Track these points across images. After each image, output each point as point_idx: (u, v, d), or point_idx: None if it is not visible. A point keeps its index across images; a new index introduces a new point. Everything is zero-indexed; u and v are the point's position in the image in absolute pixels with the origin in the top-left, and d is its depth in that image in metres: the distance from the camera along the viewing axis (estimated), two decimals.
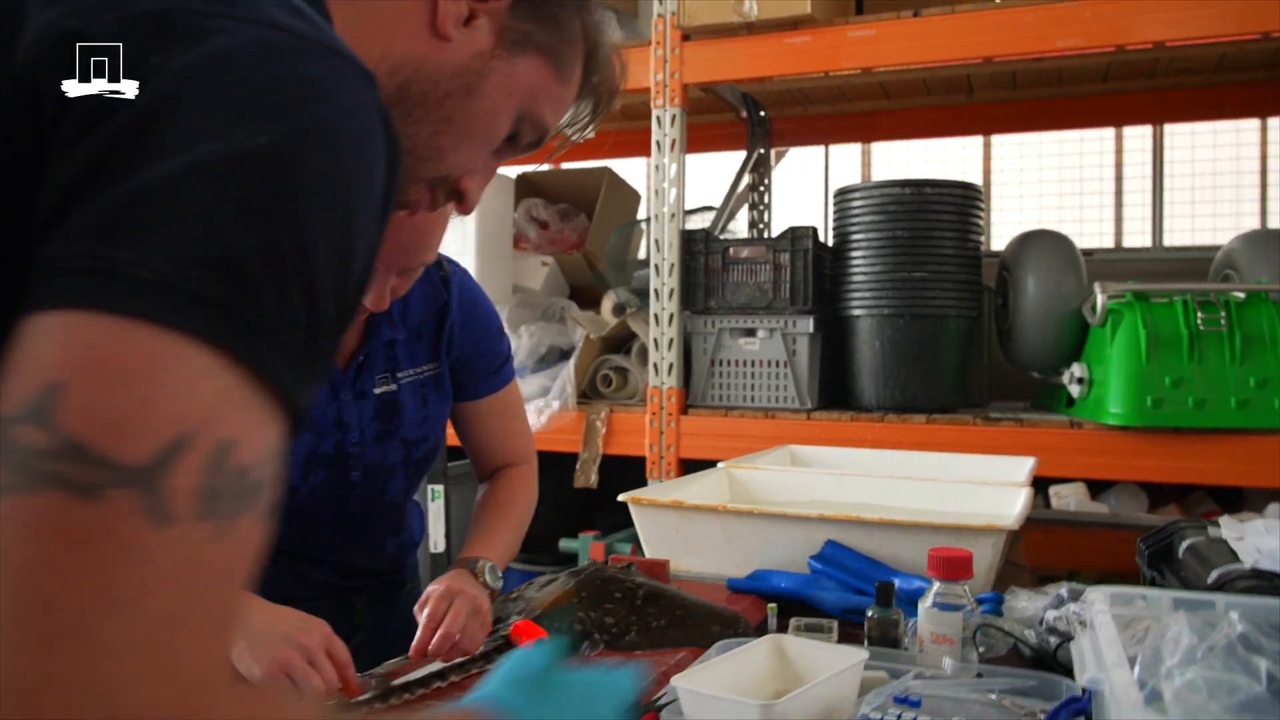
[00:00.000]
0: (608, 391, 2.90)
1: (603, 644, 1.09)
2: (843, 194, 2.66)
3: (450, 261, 1.27)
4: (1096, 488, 2.57)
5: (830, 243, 2.72)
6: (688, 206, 3.65)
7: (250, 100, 0.44)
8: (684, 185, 2.72)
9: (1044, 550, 2.08)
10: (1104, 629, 0.73)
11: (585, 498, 2.79)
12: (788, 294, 2.61)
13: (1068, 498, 2.46)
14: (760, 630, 1.19)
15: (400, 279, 1.05)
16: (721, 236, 2.97)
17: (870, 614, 1.09)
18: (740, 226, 3.52)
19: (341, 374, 1.16)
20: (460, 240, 2.94)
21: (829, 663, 0.87)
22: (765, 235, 3.38)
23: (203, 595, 0.41)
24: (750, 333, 2.67)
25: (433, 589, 1.06)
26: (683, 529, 1.48)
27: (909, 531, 1.33)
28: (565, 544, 2.78)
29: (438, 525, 2.40)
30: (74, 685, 0.37)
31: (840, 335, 2.66)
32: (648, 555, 1.51)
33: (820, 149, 3.90)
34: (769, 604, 1.20)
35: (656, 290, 2.70)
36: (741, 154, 3.42)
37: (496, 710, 0.60)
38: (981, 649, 1.07)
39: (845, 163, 4.06)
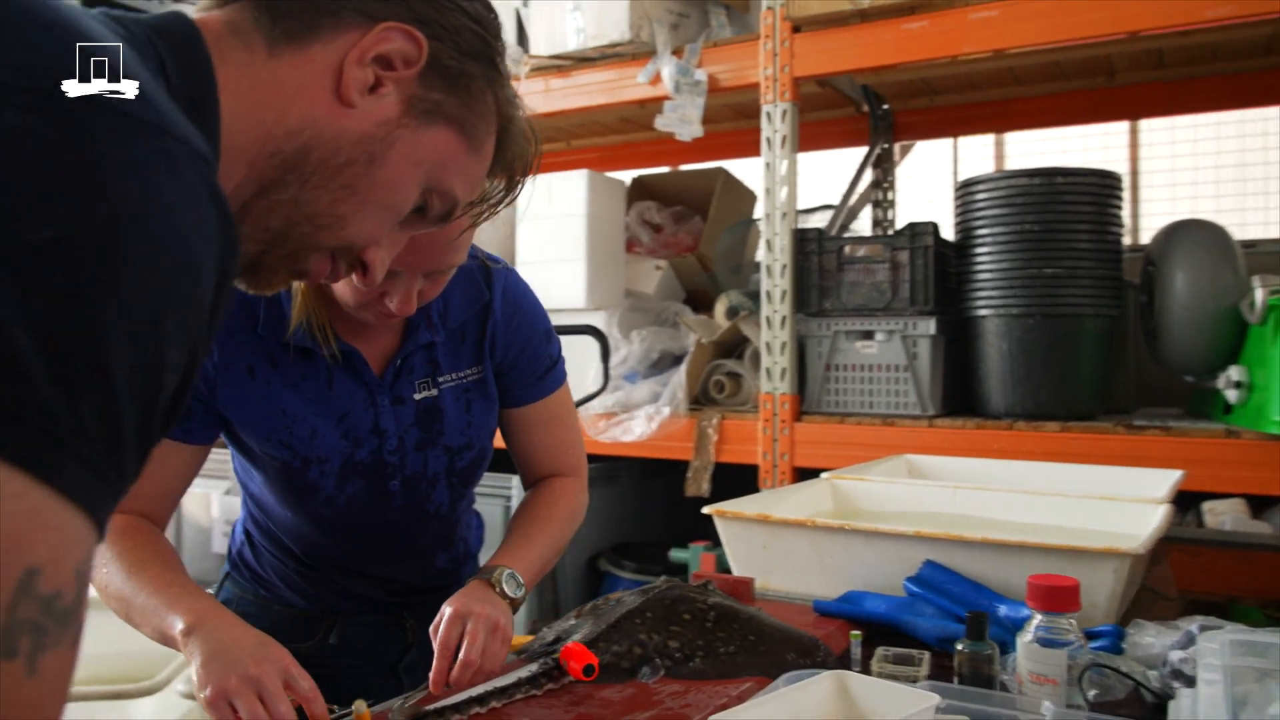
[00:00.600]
0: (720, 397, 2.81)
1: (664, 670, 1.01)
2: (966, 187, 2.49)
3: (495, 260, 1.21)
4: (1259, 504, 2.31)
5: (955, 239, 2.56)
6: (809, 206, 3.54)
7: (37, 185, 0.39)
8: (795, 183, 2.61)
9: (1194, 574, 1.87)
10: (1208, 687, 0.61)
11: (699, 506, 2.71)
12: (907, 294, 2.47)
13: (1223, 515, 2.21)
14: (843, 659, 1.09)
15: (429, 282, 1.00)
16: (842, 236, 2.84)
17: (960, 647, 0.97)
18: (864, 226, 3.37)
19: (379, 379, 1.12)
20: (570, 246, 2.92)
21: (896, 705, 0.77)
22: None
23: None
24: (868, 335, 2.54)
25: (443, 610, 0.99)
26: (771, 545, 1.38)
27: (1016, 553, 1.19)
28: (675, 554, 2.71)
29: None
30: None
31: (965, 337, 2.49)
32: (734, 572, 1.42)
33: (949, 142, 3.69)
34: (853, 631, 1.09)
35: (768, 292, 2.60)
36: (865, 150, 3.28)
37: None
38: (1095, 692, 0.94)
39: (976, 155, 3.83)
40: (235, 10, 0.64)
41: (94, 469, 0.40)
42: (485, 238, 3.23)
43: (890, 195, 3.33)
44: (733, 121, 3.38)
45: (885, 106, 3.25)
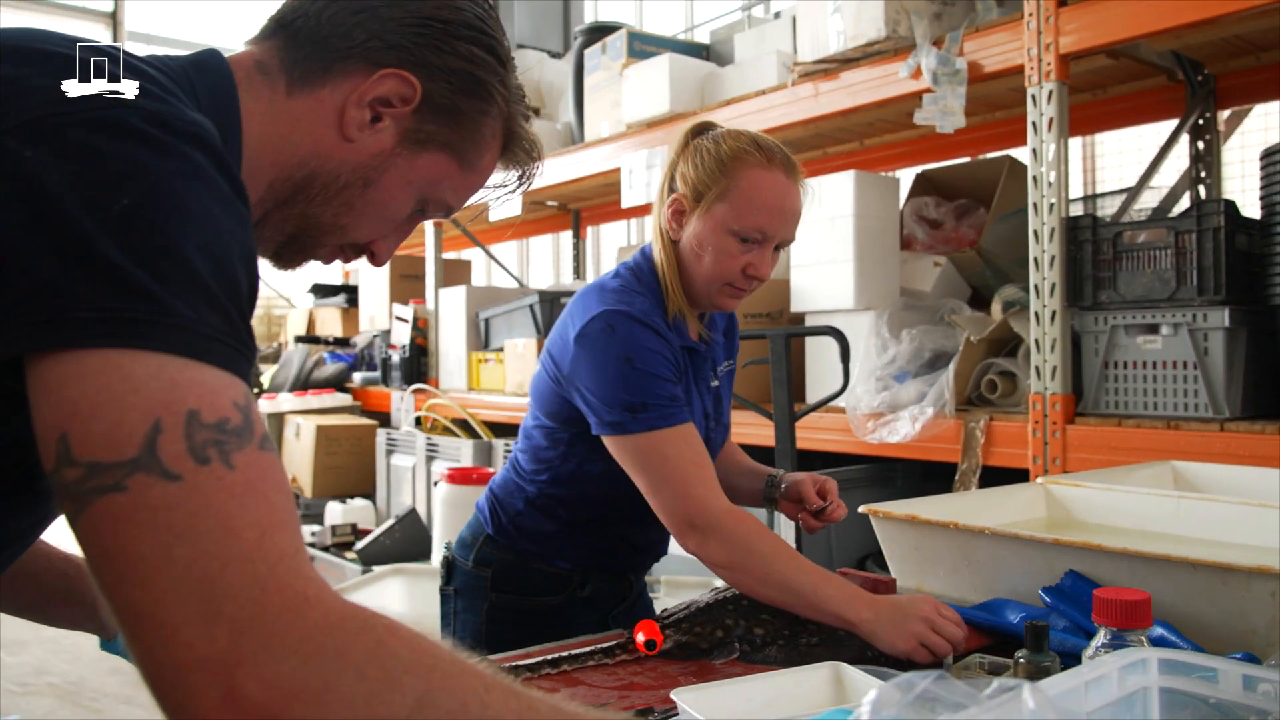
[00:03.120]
0: (994, 398, 2.68)
1: (739, 653, 1.07)
2: (1270, 155, 2.18)
3: None
4: None
5: (1260, 217, 2.24)
6: (1118, 188, 3.23)
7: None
8: (1065, 169, 2.43)
9: None
10: None
11: None
12: (1195, 282, 2.21)
13: None
14: (938, 662, 1.08)
15: (774, 254, 1.27)
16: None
17: (1019, 658, 0.93)
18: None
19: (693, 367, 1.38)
20: (839, 248, 2.93)
21: None
22: None
23: (237, 510, 0.54)
24: (1151, 329, 2.30)
25: (806, 480, 1.36)
26: (921, 546, 1.36)
27: (1160, 567, 1.09)
28: None
29: None
30: (187, 587, 0.52)
31: (1271, 329, 2.18)
32: (892, 573, 1.42)
33: None
34: None
35: (1036, 286, 2.45)
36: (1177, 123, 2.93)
37: None
38: None
39: None
40: (266, 49, 0.78)
41: (208, 337, 0.57)
42: None
43: (1214, 171, 2.95)
44: (1023, 106, 3.17)
45: (1207, 72, 2.89)
